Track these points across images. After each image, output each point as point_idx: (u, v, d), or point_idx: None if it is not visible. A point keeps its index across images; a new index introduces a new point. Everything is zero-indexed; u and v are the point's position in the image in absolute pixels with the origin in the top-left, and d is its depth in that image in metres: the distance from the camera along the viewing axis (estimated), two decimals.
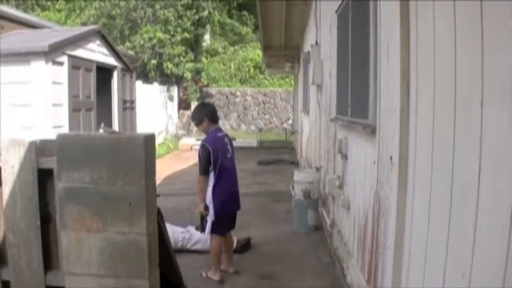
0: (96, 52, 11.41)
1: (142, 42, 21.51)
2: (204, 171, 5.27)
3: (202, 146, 5.28)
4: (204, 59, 26.62)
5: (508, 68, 1.73)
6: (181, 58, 22.54)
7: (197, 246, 6.27)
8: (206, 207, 5.26)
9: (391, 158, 3.22)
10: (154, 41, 21.54)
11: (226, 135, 5.56)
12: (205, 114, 5.45)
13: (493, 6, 1.85)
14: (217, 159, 5.23)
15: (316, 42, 8.64)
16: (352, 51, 4.76)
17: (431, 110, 2.54)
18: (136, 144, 2.58)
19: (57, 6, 29.25)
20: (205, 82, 26.89)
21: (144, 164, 2.58)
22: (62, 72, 9.63)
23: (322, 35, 8.21)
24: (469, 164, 2.04)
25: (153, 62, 21.68)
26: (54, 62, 9.33)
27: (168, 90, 22.83)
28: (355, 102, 4.62)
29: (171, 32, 22.14)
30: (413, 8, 2.88)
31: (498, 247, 1.76)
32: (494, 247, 1.81)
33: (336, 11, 5.72)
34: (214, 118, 5.50)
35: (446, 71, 2.32)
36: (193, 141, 20.05)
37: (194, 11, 23.01)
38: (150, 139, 2.69)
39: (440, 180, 2.41)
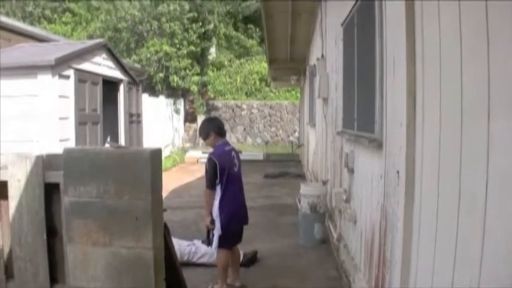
0: (102, 65, 11.46)
1: (148, 55, 21.60)
2: (211, 184, 5.26)
3: (209, 159, 5.29)
4: (210, 72, 26.73)
5: None
6: (187, 71, 22.62)
7: (203, 260, 6.25)
8: (212, 221, 5.25)
9: (398, 172, 3.21)
10: (161, 54, 21.62)
11: (234, 149, 5.56)
12: (212, 128, 5.46)
13: (499, 17, 1.85)
14: (223, 172, 5.22)
15: (322, 56, 8.65)
16: (358, 64, 4.76)
17: (437, 124, 2.54)
18: (142, 159, 2.59)
19: (63, 19, 29.48)
20: (211, 95, 26.97)
21: (150, 179, 2.59)
22: (68, 86, 9.68)
23: (327, 48, 8.23)
24: (476, 176, 2.03)
25: (160, 75, 21.76)
26: (61, 76, 9.38)
27: (174, 103, 22.88)
28: (361, 116, 4.61)
29: (177, 45, 22.25)
30: (419, 21, 2.88)
31: (506, 259, 1.75)
32: (502, 259, 1.80)
33: (342, 24, 5.74)
34: (221, 132, 5.51)
35: (453, 84, 2.32)
36: (199, 154, 20.05)
37: (200, 24, 23.15)
38: (156, 154, 2.69)
39: (447, 194, 2.40)
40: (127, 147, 2.79)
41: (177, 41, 22.24)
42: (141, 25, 22.30)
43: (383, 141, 3.76)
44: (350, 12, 5.16)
